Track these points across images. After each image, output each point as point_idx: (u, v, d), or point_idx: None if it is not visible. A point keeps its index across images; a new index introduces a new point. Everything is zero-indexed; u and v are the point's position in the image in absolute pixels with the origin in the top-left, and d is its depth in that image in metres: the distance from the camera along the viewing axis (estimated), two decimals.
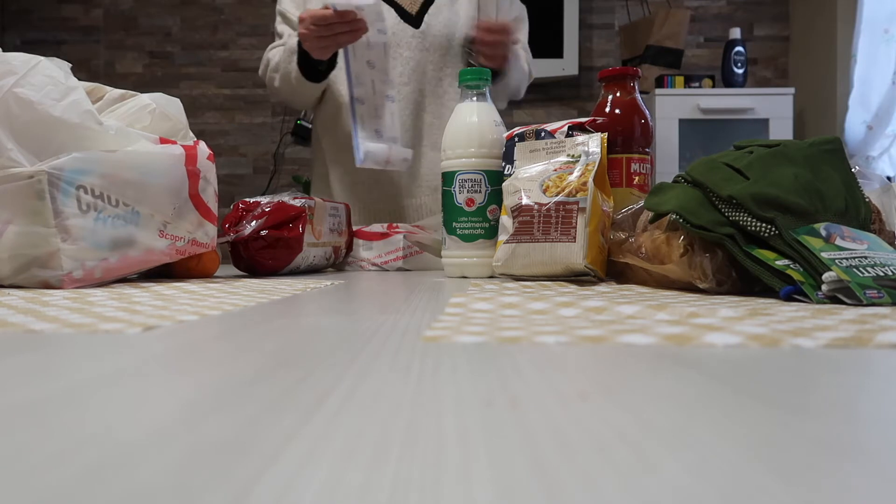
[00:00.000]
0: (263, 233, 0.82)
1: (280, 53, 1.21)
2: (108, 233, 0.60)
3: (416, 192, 1.27)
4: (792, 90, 2.55)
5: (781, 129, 2.50)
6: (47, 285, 0.57)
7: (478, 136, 0.78)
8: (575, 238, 0.65)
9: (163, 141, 0.67)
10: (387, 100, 1.09)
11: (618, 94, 0.80)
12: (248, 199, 0.86)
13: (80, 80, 0.61)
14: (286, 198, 0.87)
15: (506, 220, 0.71)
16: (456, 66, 1.26)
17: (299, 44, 1.11)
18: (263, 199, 0.86)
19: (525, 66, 1.32)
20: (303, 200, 0.87)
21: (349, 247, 1.00)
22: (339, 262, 0.98)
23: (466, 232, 0.79)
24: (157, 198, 0.65)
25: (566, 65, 2.86)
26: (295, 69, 1.16)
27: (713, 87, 2.58)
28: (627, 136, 0.79)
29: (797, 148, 0.55)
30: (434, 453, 0.14)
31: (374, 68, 1.08)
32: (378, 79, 1.08)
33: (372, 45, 1.06)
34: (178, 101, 0.73)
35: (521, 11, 1.36)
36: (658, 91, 2.55)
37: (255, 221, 0.81)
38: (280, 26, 1.27)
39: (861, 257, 0.46)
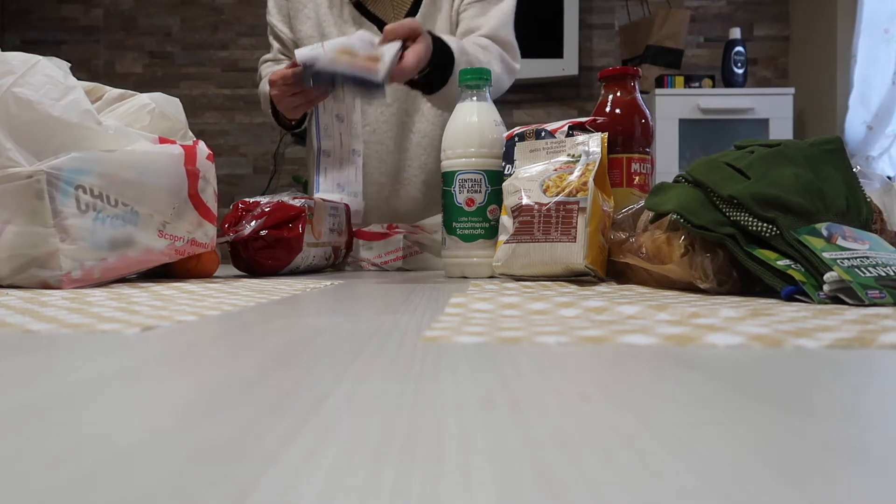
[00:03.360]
0: (263, 233, 0.81)
1: (263, 84, 1.16)
2: (106, 233, 0.60)
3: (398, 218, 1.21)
4: (792, 90, 2.55)
5: (781, 129, 2.51)
6: (46, 285, 0.57)
7: (478, 136, 0.78)
8: (575, 238, 0.64)
9: (162, 141, 0.67)
10: (353, 154, 1.09)
11: (618, 94, 0.80)
12: (247, 199, 0.86)
13: (79, 79, 0.61)
14: (286, 198, 0.86)
15: (506, 220, 0.71)
16: None
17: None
18: (263, 199, 0.85)
19: (477, 61, 1.07)
20: (302, 200, 0.87)
21: (349, 247, 1.00)
22: (338, 262, 0.98)
23: (466, 232, 0.78)
24: (157, 198, 0.65)
25: (566, 65, 2.86)
26: (272, 118, 1.15)
27: (713, 87, 2.58)
28: (628, 136, 0.78)
29: (798, 148, 0.55)
30: (434, 454, 0.14)
31: (343, 122, 1.07)
32: (345, 132, 1.08)
33: (340, 99, 1.06)
34: (177, 100, 0.73)
35: None
36: (658, 91, 2.55)
37: (254, 221, 0.81)
38: (270, 37, 1.24)
39: (863, 257, 0.46)
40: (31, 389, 0.20)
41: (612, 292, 0.54)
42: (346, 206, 1.00)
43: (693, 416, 0.17)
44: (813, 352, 0.27)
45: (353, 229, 1.01)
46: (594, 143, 0.70)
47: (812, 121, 2.78)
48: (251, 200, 0.85)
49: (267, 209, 0.83)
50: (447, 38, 1.01)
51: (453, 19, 1.17)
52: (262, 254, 0.82)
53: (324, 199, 0.93)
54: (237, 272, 0.90)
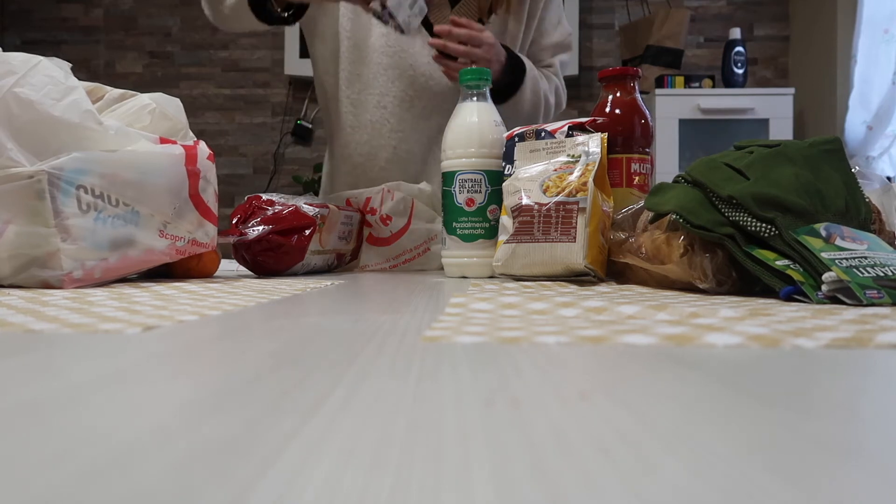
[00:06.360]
0: (268, 235, 0.80)
1: None
2: (107, 233, 0.60)
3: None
4: (792, 90, 2.55)
5: (781, 129, 2.51)
6: (47, 285, 0.57)
7: (478, 136, 0.78)
8: (575, 238, 0.65)
9: (163, 141, 0.67)
10: None
11: (618, 94, 0.80)
12: (261, 196, 0.84)
13: (80, 80, 0.61)
14: (302, 203, 0.85)
15: (506, 220, 0.71)
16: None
17: None
18: (278, 198, 0.84)
19: (545, 93, 1.18)
20: (317, 209, 0.85)
21: (354, 254, 0.99)
22: (340, 266, 0.98)
23: (466, 232, 0.79)
24: (157, 198, 0.65)
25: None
26: (246, 12, 1.01)
27: (713, 87, 2.59)
28: (627, 136, 0.78)
29: (797, 148, 0.55)
30: (434, 453, 0.14)
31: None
32: None
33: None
34: (178, 100, 0.73)
35: (564, 37, 1.25)
36: (658, 91, 2.55)
37: (261, 226, 0.80)
38: None
39: (861, 257, 0.46)
40: (33, 389, 0.20)
41: (611, 292, 0.54)
42: (361, 212, 0.97)
43: (691, 414, 0.17)
44: (810, 351, 0.27)
45: (364, 236, 0.99)
46: (594, 144, 0.70)
47: (812, 121, 2.78)
48: (265, 198, 0.84)
49: (281, 214, 0.81)
50: (518, 53, 1.08)
51: (519, 45, 1.21)
52: (263, 255, 0.82)
53: (339, 208, 0.91)
54: (237, 272, 0.90)
